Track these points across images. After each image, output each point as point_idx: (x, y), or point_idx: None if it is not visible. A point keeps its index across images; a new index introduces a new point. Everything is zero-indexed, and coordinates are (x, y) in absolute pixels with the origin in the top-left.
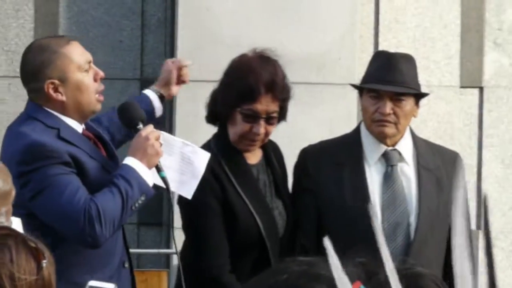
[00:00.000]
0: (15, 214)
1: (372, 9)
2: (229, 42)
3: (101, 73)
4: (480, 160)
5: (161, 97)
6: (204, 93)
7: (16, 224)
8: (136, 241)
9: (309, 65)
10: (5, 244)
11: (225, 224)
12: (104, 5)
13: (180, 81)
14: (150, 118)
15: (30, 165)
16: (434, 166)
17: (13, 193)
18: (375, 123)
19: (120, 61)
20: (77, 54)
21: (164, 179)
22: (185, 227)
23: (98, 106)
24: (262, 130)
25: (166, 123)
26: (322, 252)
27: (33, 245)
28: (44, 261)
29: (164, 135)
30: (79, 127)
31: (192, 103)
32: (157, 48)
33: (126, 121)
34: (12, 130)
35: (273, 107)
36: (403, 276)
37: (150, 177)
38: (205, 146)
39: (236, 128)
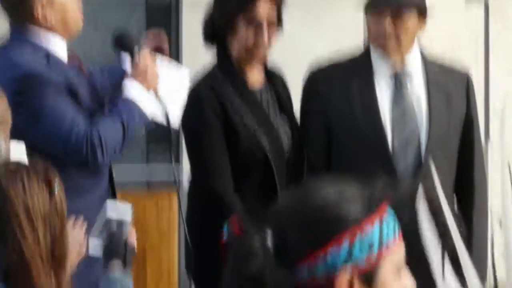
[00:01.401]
0: None
1: None
2: None
3: None
4: (487, 74)
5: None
6: None
7: (20, 147)
8: (145, 158)
9: None
10: (16, 173)
11: (228, 143)
12: None
13: (157, 48)
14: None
15: (27, 93)
16: (444, 84)
17: (10, 115)
18: (378, 40)
19: None
20: None
21: (161, 104)
22: (187, 146)
23: (81, 23)
24: (265, 35)
25: (171, 46)
26: (332, 172)
27: (43, 172)
28: (56, 187)
29: (161, 61)
30: (64, 46)
31: (199, 23)
32: None
33: (122, 46)
34: (4, 52)
35: (272, 11)
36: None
37: (150, 103)
38: (209, 73)
39: (241, 38)
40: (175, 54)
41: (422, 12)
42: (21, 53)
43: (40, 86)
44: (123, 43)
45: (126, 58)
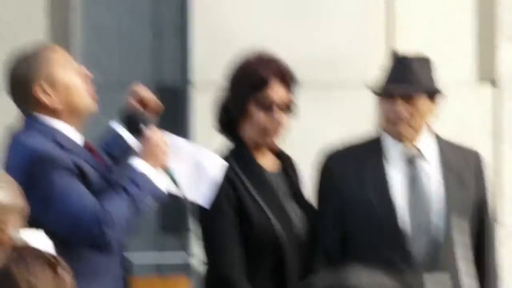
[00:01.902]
0: None
1: (383, 8)
2: (244, 46)
3: (87, 72)
4: (498, 156)
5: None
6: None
7: (42, 238)
8: (157, 246)
9: (323, 65)
10: (21, 257)
11: (240, 228)
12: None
13: (150, 109)
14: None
15: (37, 176)
16: (457, 166)
17: (23, 203)
18: (390, 124)
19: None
20: (60, 55)
21: (173, 180)
22: (200, 233)
23: (94, 105)
24: (279, 117)
25: (182, 130)
26: (347, 258)
27: (48, 256)
28: (61, 270)
29: (172, 138)
30: (77, 134)
31: (210, 107)
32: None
33: (129, 125)
34: (14, 140)
35: (285, 95)
36: None
37: (160, 180)
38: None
39: (253, 121)
40: (186, 138)
41: (433, 95)
42: (30, 137)
43: (49, 169)
44: (132, 123)
45: (121, 130)
